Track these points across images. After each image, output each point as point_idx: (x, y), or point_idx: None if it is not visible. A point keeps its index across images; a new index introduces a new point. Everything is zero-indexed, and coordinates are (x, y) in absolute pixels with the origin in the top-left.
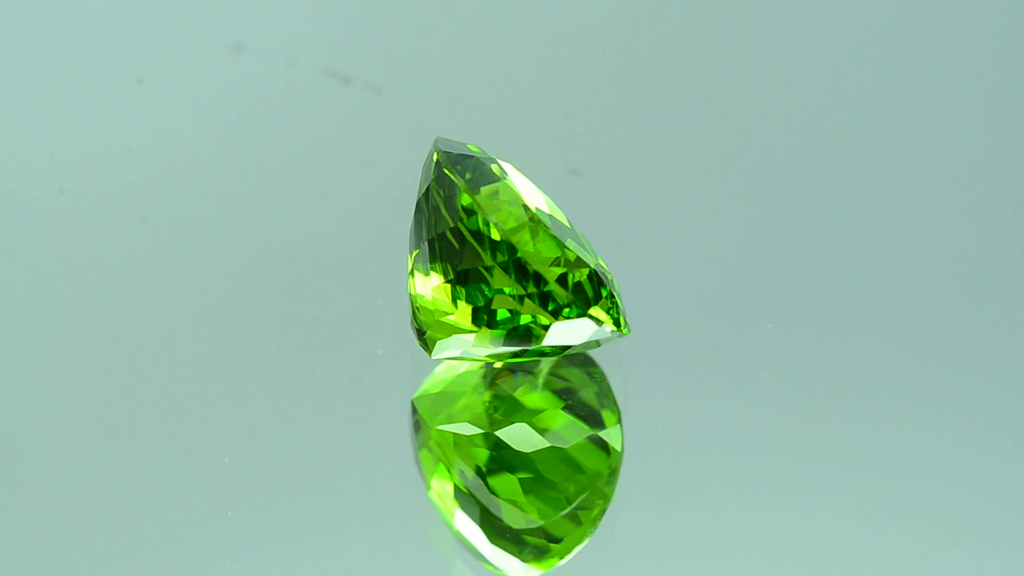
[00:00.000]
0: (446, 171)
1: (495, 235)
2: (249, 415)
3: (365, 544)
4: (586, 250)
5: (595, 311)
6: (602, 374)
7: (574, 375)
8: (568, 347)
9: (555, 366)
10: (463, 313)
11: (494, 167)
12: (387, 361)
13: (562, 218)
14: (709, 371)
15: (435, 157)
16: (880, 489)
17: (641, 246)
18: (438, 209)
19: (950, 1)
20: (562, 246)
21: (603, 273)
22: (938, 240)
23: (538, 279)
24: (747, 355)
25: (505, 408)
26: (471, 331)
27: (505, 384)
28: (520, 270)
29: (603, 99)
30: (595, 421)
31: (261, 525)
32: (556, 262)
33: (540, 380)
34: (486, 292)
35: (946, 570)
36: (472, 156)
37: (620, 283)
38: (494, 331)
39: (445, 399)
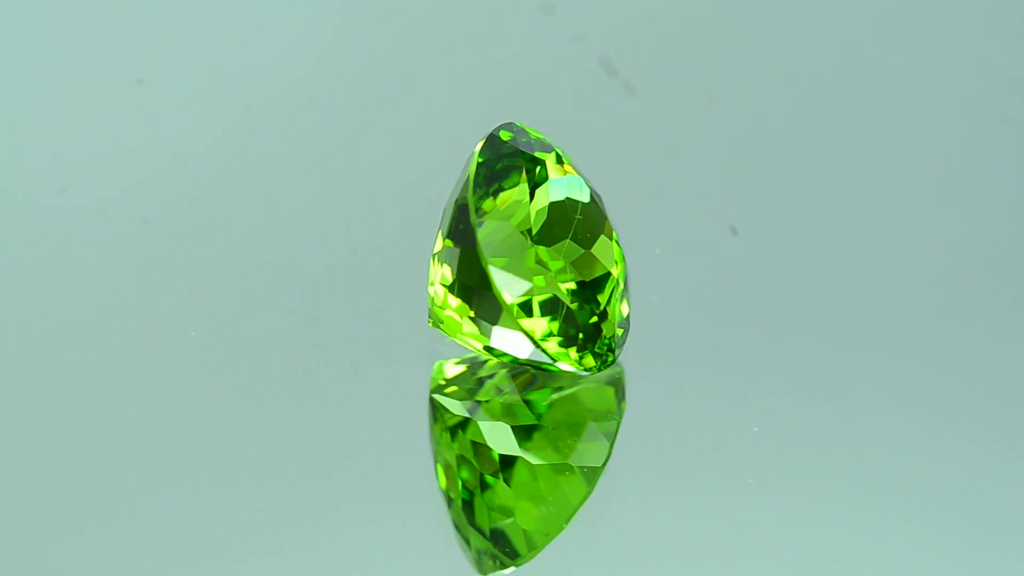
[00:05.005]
0: (477, 153)
1: (475, 231)
2: (258, 404)
3: (380, 528)
4: (603, 285)
5: (549, 343)
6: (621, 414)
7: (593, 403)
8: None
9: (577, 390)
10: (437, 288)
11: (545, 162)
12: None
13: (601, 238)
14: (708, 377)
15: (484, 139)
16: (881, 494)
17: (640, 249)
18: (459, 183)
19: (950, 1)
20: (539, 272)
21: (580, 312)
22: (940, 242)
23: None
24: (746, 364)
25: (505, 406)
26: (443, 307)
27: (516, 384)
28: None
29: (602, 98)
30: (581, 454)
31: (274, 508)
32: (521, 273)
33: (548, 396)
34: (453, 275)
35: (945, 570)
36: (520, 151)
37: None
38: (457, 311)
39: (459, 375)
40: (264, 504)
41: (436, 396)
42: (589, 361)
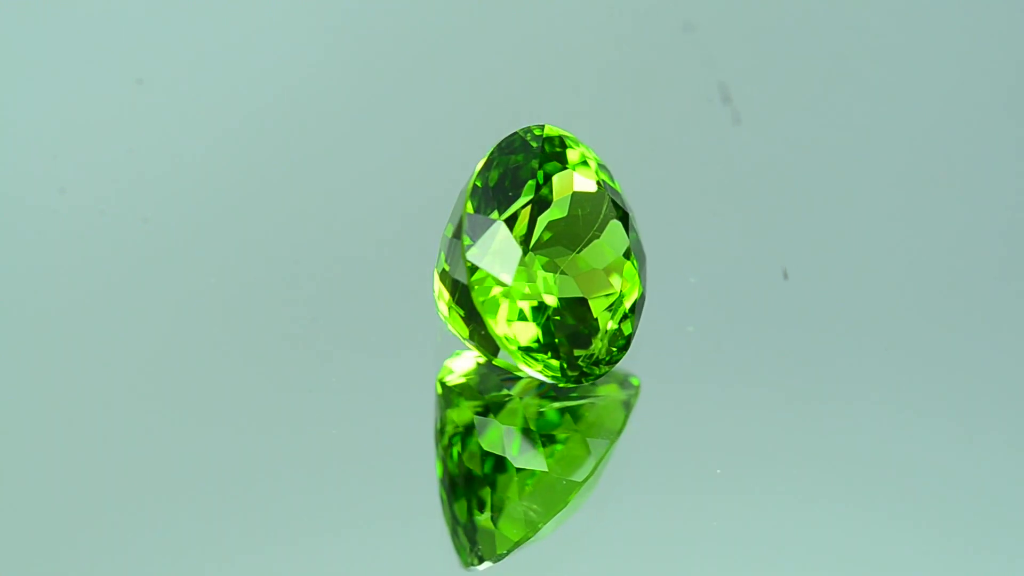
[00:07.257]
0: (493, 149)
1: (463, 223)
2: (259, 397)
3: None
4: (610, 303)
5: (525, 347)
6: (619, 434)
7: (597, 419)
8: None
9: (586, 403)
10: (436, 277)
11: (574, 173)
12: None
13: (615, 257)
14: (712, 377)
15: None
16: (885, 493)
17: (675, 273)
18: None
19: (949, 2)
20: (529, 278)
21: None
22: (943, 241)
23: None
24: (747, 368)
25: (506, 405)
26: (439, 297)
27: (522, 387)
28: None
29: (604, 95)
30: (566, 465)
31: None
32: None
33: (546, 407)
34: (443, 265)
35: (945, 570)
36: (541, 157)
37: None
38: (448, 303)
39: (471, 370)
40: (264, 498)
41: (442, 389)
42: (568, 373)
